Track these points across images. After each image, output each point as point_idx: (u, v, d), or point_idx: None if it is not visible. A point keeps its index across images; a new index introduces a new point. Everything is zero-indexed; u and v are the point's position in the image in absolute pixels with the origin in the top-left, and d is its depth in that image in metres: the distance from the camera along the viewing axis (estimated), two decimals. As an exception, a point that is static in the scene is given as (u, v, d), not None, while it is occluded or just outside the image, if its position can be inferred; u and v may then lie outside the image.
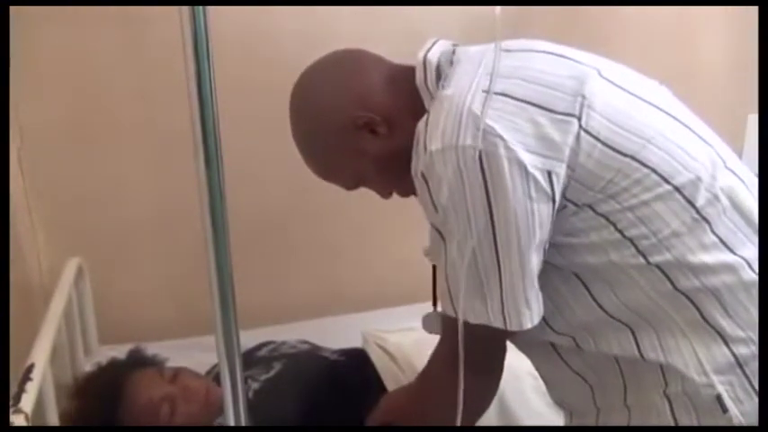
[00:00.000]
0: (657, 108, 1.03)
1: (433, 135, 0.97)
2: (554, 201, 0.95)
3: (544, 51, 1.06)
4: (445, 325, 1.09)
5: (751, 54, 1.48)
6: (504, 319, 0.99)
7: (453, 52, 1.10)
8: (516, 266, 0.97)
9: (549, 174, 0.94)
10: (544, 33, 1.23)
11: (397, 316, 1.38)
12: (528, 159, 0.93)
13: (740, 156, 1.04)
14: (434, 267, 1.30)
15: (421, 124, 1.02)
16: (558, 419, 1.26)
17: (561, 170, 0.95)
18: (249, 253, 1.82)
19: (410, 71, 1.12)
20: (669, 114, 1.04)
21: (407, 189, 1.11)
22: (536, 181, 0.94)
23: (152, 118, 2.07)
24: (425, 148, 0.98)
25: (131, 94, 2.08)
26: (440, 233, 1.01)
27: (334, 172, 1.19)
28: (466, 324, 1.00)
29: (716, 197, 0.99)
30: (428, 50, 1.12)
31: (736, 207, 1.00)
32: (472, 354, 0.99)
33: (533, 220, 0.95)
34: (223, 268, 0.79)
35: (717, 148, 1.05)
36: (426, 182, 0.99)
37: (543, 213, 0.95)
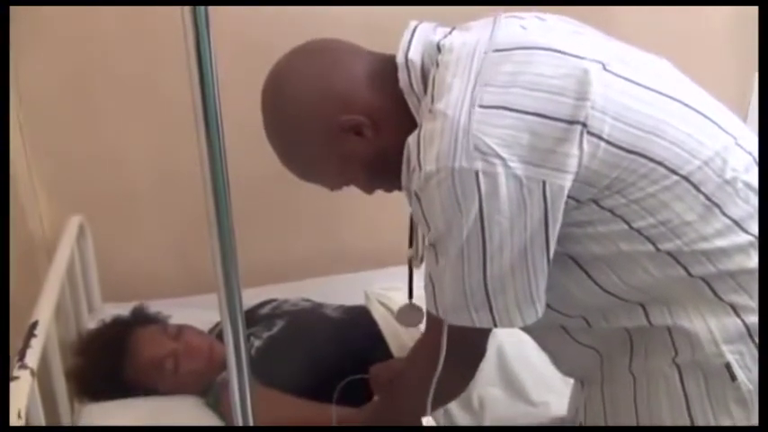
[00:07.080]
0: (663, 94, 0.99)
1: (428, 155, 0.94)
2: (546, 210, 0.93)
3: (544, 48, 0.99)
4: (429, 319, 1.10)
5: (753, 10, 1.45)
6: (494, 320, 0.99)
7: (438, 48, 1.04)
8: (508, 279, 0.96)
9: (544, 184, 0.92)
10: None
11: (400, 275, 1.38)
12: (522, 171, 0.91)
13: (746, 114, 1.02)
14: (410, 263, 1.33)
15: (412, 140, 0.98)
16: (555, 373, 1.27)
17: (560, 180, 0.92)
18: (252, 211, 1.82)
19: (391, 64, 1.06)
20: (675, 99, 0.99)
21: (393, 186, 1.10)
22: (530, 191, 0.91)
23: (153, 77, 2.04)
24: (420, 167, 0.95)
25: (132, 53, 2.05)
26: (432, 245, 1.00)
27: (318, 175, 1.15)
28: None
29: (726, 181, 0.96)
30: (408, 47, 1.05)
31: (749, 185, 0.98)
32: (456, 347, 0.98)
33: (526, 233, 0.93)
34: (225, 226, 0.79)
35: (726, 125, 1.01)
36: (420, 201, 0.97)
37: (535, 223, 0.93)
